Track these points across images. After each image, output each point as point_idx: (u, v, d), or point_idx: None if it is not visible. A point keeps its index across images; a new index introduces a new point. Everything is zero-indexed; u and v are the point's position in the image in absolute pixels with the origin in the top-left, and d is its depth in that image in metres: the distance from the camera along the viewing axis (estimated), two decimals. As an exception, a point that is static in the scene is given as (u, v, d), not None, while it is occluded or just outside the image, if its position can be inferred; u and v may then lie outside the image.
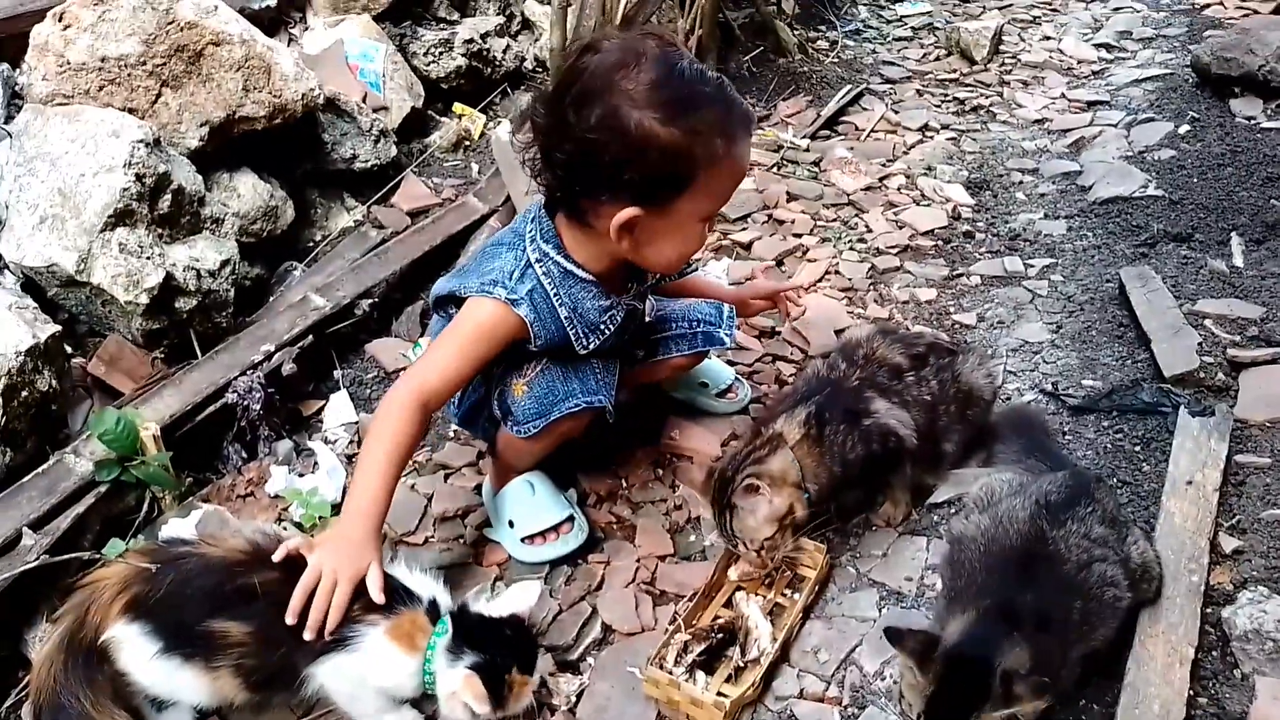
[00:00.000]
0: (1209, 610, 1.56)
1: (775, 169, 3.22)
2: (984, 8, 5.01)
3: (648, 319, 1.89)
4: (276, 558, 1.42)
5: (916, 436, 1.74)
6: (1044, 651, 1.33)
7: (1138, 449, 1.95)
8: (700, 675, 1.54)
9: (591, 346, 1.66)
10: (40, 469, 1.77)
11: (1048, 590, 1.37)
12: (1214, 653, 1.52)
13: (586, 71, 1.48)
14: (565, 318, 1.62)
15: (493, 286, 1.60)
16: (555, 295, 1.61)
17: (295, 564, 1.41)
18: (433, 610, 1.43)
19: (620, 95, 1.44)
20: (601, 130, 1.45)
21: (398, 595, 1.42)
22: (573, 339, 1.64)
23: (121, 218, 1.98)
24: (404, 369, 2.26)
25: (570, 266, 1.62)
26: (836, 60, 4.24)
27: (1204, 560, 1.60)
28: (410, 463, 2.04)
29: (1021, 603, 1.35)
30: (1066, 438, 2.01)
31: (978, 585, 1.42)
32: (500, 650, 1.40)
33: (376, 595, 1.39)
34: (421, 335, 2.37)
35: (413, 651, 1.39)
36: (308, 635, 1.35)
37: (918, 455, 1.78)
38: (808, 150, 3.37)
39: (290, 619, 1.35)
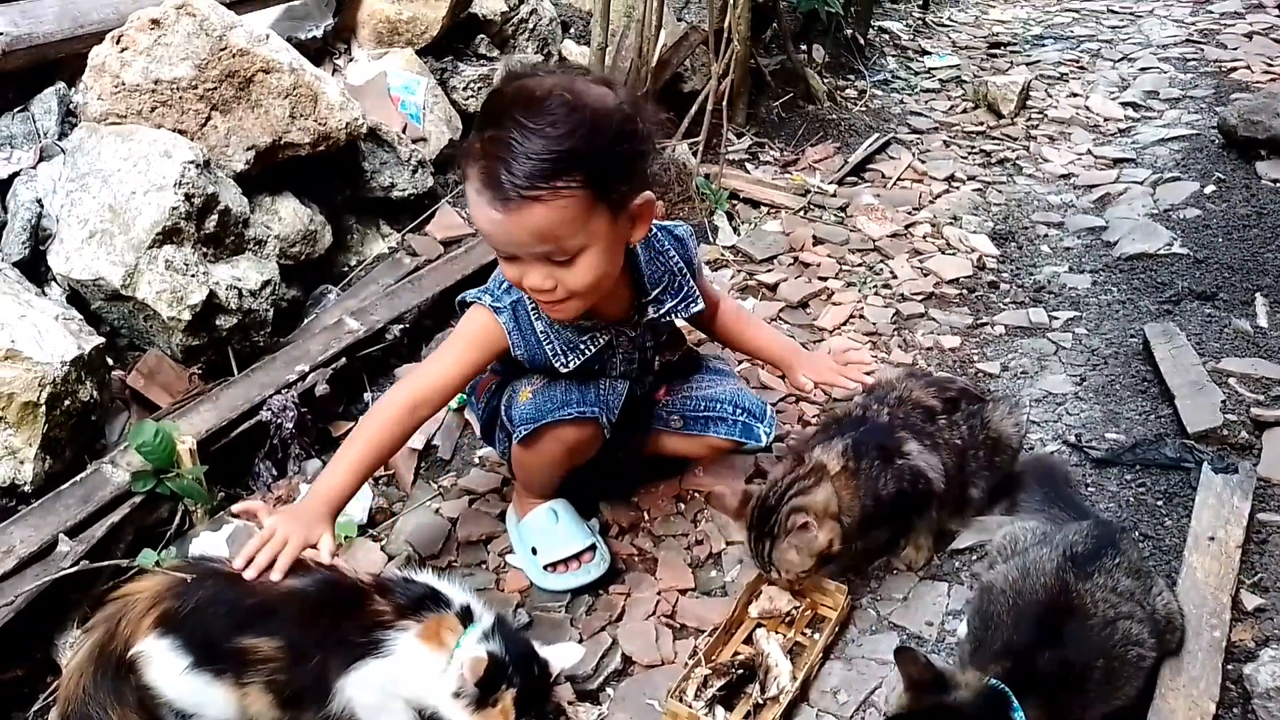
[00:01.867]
0: (1230, 667, 1.56)
1: (802, 213, 3.27)
2: (1012, 63, 5.08)
3: (660, 358, 1.90)
4: (235, 509, 1.54)
5: (945, 481, 1.76)
6: (1063, 710, 1.33)
7: (1160, 503, 1.96)
8: (719, 710, 1.55)
9: (572, 365, 1.69)
10: (78, 478, 1.81)
11: (1071, 648, 1.37)
12: (1235, 709, 1.52)
13: None
14: (541, 332, 1.67)
15: (483, 294, 1.70)
16: (534, 310, 1.66)
17: (322, 579, 1.44)
18: (465, 615, 1.45)
19: None
20: None
21: (429, 600, 1.44)
22: (550, 355, 1.68)
23: (169, 235, 2.03)
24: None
25: None
26: (865, 109, 4.30)
27: (1226, 616, 1.61)
28: (435, 486, 2.07)
29: (1042, 662, 1.35)
30: (1089, 490, 2.02)
31: (1002, 639, 1.42)
32: (518, 668, 1.42)
33: (325, 558, 1.47)
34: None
35: (442, 649, 1.40)
36: (249, 574, 1.41)
37: (944, 499, 1.79)
38: (835, 196, 3.42)
39: (239, 563, 1.42)
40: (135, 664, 1.39)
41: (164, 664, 1.39)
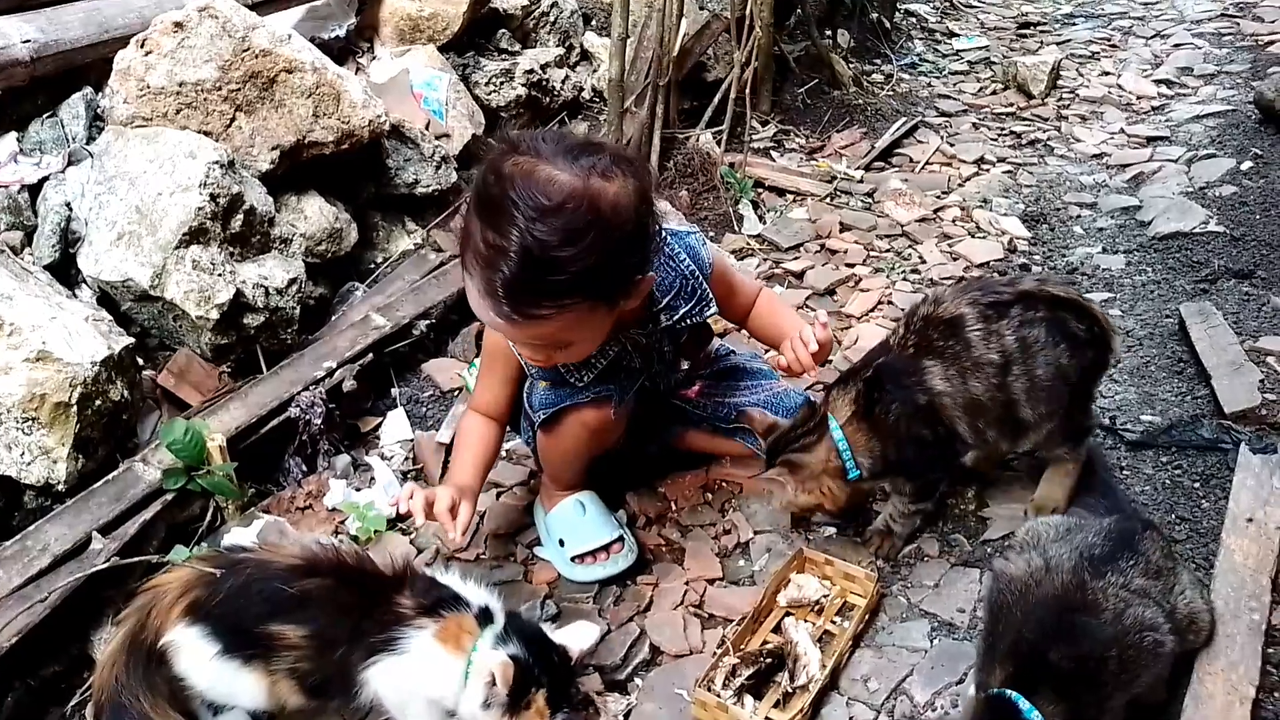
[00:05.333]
0: (1271, 650, 1.52)
1: (829, 200, 3.24)
2: (1041, 43, 5.00)
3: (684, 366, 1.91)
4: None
5: (984, 402, 1.67)
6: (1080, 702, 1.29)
7: (1197, 485, 1.92)
8: (748, 699, 1.54)
9: (586, 380, 1.69)
10: (110, 476, 1.83)
11: (1079, 644, 1.32)
12: (1276, 694, 1.48)
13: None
14: None
15: None
16: None
17: (348, 571, 1.44)
18: (484, 616, 1.44)
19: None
20: None
21: (447, 601, 1.44)
22: (564, 373, 1.68)
23: (195, 236, 2.05)
24: (459, 389, 2.33)
25: None
26: (892, 93, 4.25)
27: (1265, 599, 1.57)
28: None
29: (1048, 663, 1.31)
30: (1124, 473, 1.98)
31: (1011, 637, 1.38)
32: (541, 665, 1.41)
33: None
34: (477, 355, 2.41)
35: (458, 652, 1.39)
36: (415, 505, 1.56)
37: (993, 421, 1.70)
38: (862, 181, 3.39)
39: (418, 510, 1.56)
40: (166, 654, 1.41)
41: (194, 653, 1.40)
